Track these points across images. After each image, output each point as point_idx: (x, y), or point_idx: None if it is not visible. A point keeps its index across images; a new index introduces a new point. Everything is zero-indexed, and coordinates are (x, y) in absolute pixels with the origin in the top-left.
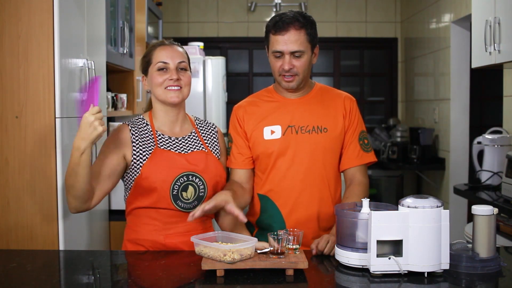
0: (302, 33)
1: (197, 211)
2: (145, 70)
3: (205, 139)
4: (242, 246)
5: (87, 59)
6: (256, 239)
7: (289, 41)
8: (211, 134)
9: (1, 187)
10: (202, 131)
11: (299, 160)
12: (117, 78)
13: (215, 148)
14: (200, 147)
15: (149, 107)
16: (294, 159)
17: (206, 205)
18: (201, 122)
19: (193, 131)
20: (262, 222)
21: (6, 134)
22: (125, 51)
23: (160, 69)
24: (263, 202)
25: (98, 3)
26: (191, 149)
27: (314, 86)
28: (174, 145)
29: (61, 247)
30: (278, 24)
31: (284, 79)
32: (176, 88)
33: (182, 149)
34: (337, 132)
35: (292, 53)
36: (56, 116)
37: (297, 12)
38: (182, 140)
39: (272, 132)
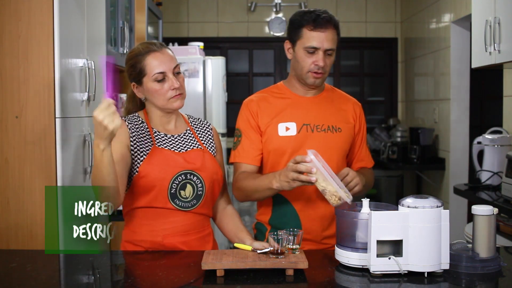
0: (336, 33)
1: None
2: (138, 80)
3: (200, 137)
4: (349, 200)
5: (87, 59)
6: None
7: (327, 38)
8: (205, 132)
9: (1, 187)
10: (196, 129)
11: None
12: (117, 78)
13: (210, 146)
14: (196, 145)
15: (134, 107)
16: None
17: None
18: (195, 120)
19: (188, 129)
20: (275, 220)
21: (6, 134)
22: (125, 51)
23: (159, 80)
24: (276, 200)
25: (98, 3)
26: (187, 147)
27: (325, 87)
28: (171, 143)
29: (61, 247)
30: (318, 21)
31: (313, 75)
32: (178, 95)
33: (179, 147)
34: (349, 133)
35: (326, 51)
36: (56, 116)
37: (329, 12)
38: (178, 138)
39: (287, 128)
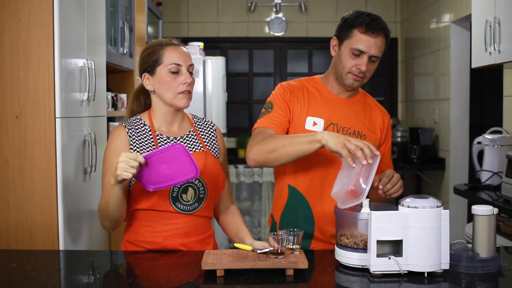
0: (385, 42)
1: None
2: (151, 69)
3: (203, 139)
4: None
5: (87, 59)
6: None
7: (375, 45)
8: (209, 133)
9: (1, 187)
10: (200, 130)
11: (335, 160)
12: (117, 78)
13: (213, 147)
14: (199, 147)
15: (138, 107)
16: (330, 157)
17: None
18: (199, 121)
19: (191, 130)
20: (287, 214)
21: (6, 134)
22: (125, 51)
23: (173, 72)
24: (291, 194)
25: (98, 3)
26: (190, 149)
27: (359, 90)
28: None
29: (61, 247)
30: (371, 26)
31: (353, 77)
32: (187, 92)
33: None
34: (372, 142)
35: (371, 57)
36: (56, 116)
37: (382, 19)
38: (181, 140)
39: (315, 123)
